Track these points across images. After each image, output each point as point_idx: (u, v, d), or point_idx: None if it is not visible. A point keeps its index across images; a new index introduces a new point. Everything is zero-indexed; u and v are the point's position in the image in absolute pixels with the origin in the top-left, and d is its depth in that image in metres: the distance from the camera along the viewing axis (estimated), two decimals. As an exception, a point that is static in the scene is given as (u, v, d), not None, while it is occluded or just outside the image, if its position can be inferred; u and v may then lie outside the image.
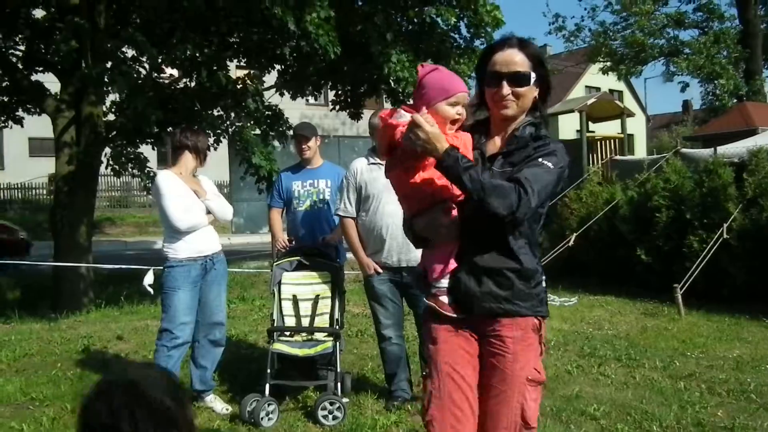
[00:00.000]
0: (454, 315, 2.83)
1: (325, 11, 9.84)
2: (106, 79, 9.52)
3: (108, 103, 11.09)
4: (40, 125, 12.40)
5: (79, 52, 9.90)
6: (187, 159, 5.43)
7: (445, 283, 2.84)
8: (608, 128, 19.81)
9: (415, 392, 5.49)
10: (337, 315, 5.62)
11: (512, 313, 2.79)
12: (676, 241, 10.21)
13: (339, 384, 5.28)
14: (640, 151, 37.91)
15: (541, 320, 2.90)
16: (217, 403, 5.50)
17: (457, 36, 12.98)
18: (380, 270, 5.26)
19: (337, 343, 5.39)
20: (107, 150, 10.76)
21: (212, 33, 10.56)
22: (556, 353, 7.07)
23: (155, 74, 10.85)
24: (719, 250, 9.50)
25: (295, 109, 18.22)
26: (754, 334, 8.01)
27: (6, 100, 11.63)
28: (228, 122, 11.13)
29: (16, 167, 28.07)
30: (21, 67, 11.18)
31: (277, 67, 12.40)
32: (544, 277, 2.92)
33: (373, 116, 5.42)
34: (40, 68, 11.40)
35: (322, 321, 5.65)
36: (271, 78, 13.01)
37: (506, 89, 2.76)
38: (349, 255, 5.90)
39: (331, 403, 5.02)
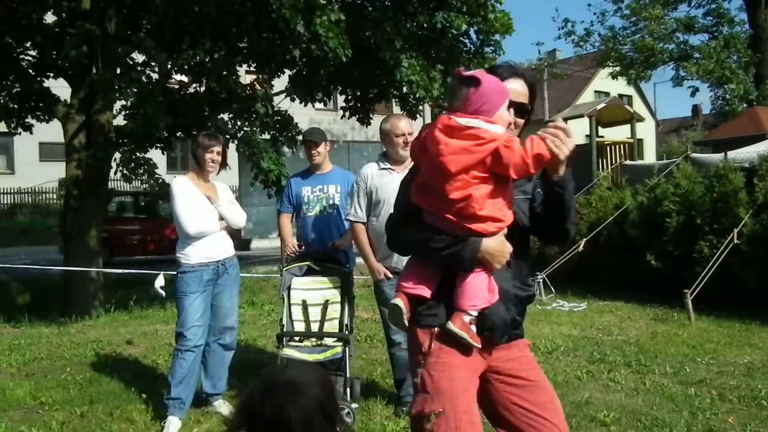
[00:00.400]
0: (479, 345, 2.68)
1: (335, 14, 9.85)
2: (116, 85, 9.56)
3: (118, 108, 11.13)
4: (50, 130, 12.45)
5: (90, 57, 9.95)
6: (195, 165, 5.47)
7: (475, 312, 2.68)
8: (618, 133, 19.79)
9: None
10: (346, 320, 5.61)
11: (519, 336, 2.89)
12: (687, 247, 10.17)
13: (348, 389, 5.27)
14: (650, 156, 37.79)
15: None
16: (226, 408, 5.50)
17: (467, 41, 12.98)
18: (390, 275, 5.25)
19: (347, 349, 5.38)
20: (117, 155, 10.79)
21: (222, 38, 10.59)
22: (566, 359, 7.05)
23: (165, 79, 10.89)
24: (730, 256, 9.45)
25: (304, 115, 18.24)
26: (765, 340, 7.96)
27: (17, 107, 11.67)
28: (237, 127, 11.15)
29: (26, 172, 28.20)
30: (32, 72, 11.23)
31: (288, 72, 12.42)
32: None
33: (384, 122, 5.42)
34: (51, 73, 11.46)
35: (332, 326, 5.64)
36: (280, 83, 13.04)
37: (512, 117, 2.72)
38: (359, 260, 5.89)
39: (341, 408, 5.00)
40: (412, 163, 5.35)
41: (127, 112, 10.60)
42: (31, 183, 27.58)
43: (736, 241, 9.55)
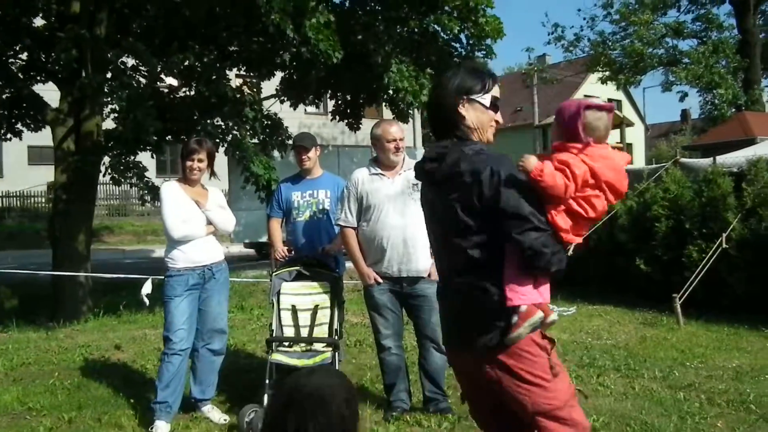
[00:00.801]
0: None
1: (325, 17, 9.86)
2: (106, 89, 9.53)
3: (107, 112, 11.09)
4: (39, 134, 12.39)
5: (80, 61, 9.91)
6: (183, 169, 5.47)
7: None
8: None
9: (413, 403, 5.48)
10: (336, 325, 5.60)
11: None
12: (676, 251, 10.19)
13: (338, 394, 5.24)
14: (639, 161, 37.96)
15: None
16: (215, 413, 5.48)
17: (458, 46, 13.00)
18: (380, 280, 5.25)
19: (336, 354, 5.37)
20: (106, 159, 10.76)
21: (212, 42, 10.58)
22: (556, 363, 7.05)
23: (155, 83, 10.86)
24: (718, 260, 9.49)
25: (294, 119, 18.24)
26: (753, 344, 7.99)
27: (6, 113, 11.61)
28: (227, 131, 11.13)
29: (15, 175, 28.10)
30: (21, 76, 11.19)
31: (278, 74, 12.41)
32: None
33: (375, 127, 5.43)
34: (40, 77, 11.41)
35: (321, 331, 5.63)
36: (270, 87, 13.03)
37: (500, 118, 2.96)
38: (349, 264, 5.89)
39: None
40: (406, 168, 5.38)
41: (117, 116, 10.57)
42: (19, 186, 27.46)
43: (724, 245, 9.58)
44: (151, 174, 11.41)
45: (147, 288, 6.53)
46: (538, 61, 33.51)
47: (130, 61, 10.90)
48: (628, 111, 41.29)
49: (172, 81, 11.55)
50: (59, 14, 10.72)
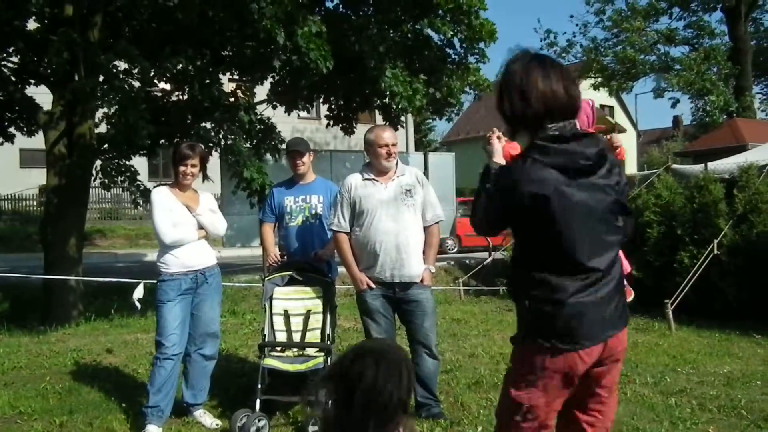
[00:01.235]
0: None
1: (317, 26, 9.86)
2: (98, 93, 9.51)
3: (100, 116, 11.07)
4: (31, 137, 12.35)
5: (72, 64, 9.89)
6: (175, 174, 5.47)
7: None
8: (599, 144, 19.84)
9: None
10: (328, 330, 5.59)
11: None
12: (667, 257, 10.24)
13: (330, 399, 5.24)
14: (631, 167, 37.99)
15: (515, 343, 2.91)
16: (207, 418, 5.47)
17: (451, 51, 13.02)
18: (373, 285, 5.25)
19: (329, 359, 5.37)
20: (98, 162, 10.73)
21: (205, 46, 10.57)
22: (548, 369, 7.06)
23: (147, 87, 10.84)
24: (710, 266, 9.54)
25: (287, 123, 18.19)
26: (744, 350, 8.03)
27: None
28: (220, 135, 11.12)
29: (6, 178, 27.93)
30: (14, 79, 11.16)
31: (270, 80, 12.41)
32: (526, 302, 2.79)
33: (369, 132, 5.43)
34: (33, 80, 11.38)
35: (314, 336, 5.62)
36: (263, 91, 13.02)
37: None
38: (342, 269, 5.89)
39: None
40: (399, 174, 5.39)
41: (110, 120, 10.55)
42: (11, 190, 27.33)
43: (716, 251, 9.63)
44: (143, 178, 11.38)
45: (138, 292, 6.51)
46: (530, 66, 33.42)
47: (123, 65, 10.87)
48: (620, 117, 41.42)
49: (165, 85, 11.53)
50: (52, 17, 10.70)
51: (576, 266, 2.68)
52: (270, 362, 5.30)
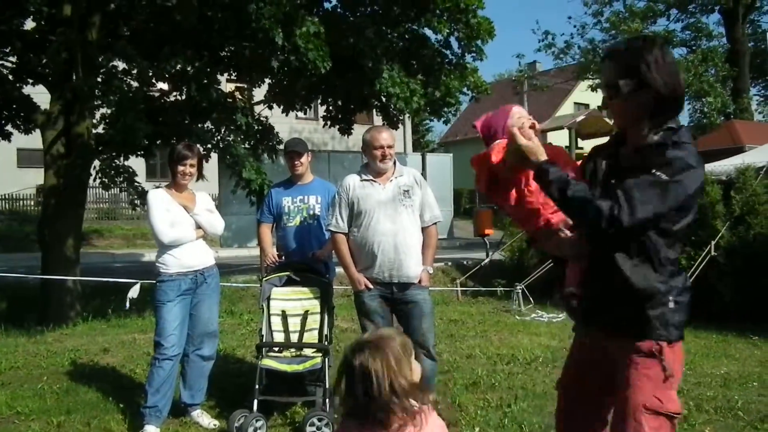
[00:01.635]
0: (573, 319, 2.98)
1: (315, 26, 9.87)
2: (96, 93, 9.51)
3: (98, 116, 11.06)
4: (28, 136, 12.33)
5: (70, 64, 9.88)
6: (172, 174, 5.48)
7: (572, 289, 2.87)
8: (597, 145, 19.89)
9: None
10: (326, 331, 5.60)
11: (625, 334, 2.67)
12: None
13: (327, 400, 5.26)
14: (629, 168, 37.99)
15: (662, 345, 2.63)
16: (204, 418, 5.47)
17: (448, 52, 13.03)
18: (370, 285, 5.25)
19: (326, 359, 5.38)
20: (96, 162, 10.72)
21: (203, 47, 10.57)
22: (545, 369, 7.08)
23: (146, 87, 10.84)
24: (707, 267, 9.55)
25: (284, 124, 18.24)
26: (741, 351, 8.04)
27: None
28: (218, 136, 11.12)
29: (3, 178, 27.91)
30: (12, 78, 11.14)
31: (268, 80, 12.41)
32: (673, 298, 2.65)
33: (366, 132, 5.44)
34: (31, 80, 11.38)
35: (311, 337, 5.63)
36: (261, 92, 13.03)
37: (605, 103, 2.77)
38: (339, 270, 5.89)
39: (320, 419, 4.99)
40: (397, 175, 5.40)
41: (107, 120, 10.54)
42: (8, 189, 27.31)
43: (713, 253, 9.64)
44: (140, 178, 11.38)
45: (134, 292, 6.52)
46: (528, 68, 33.54)
47: (122, 65, 10.87)
48: (617, 118, 41.36)
49: (162, 85, 11.52)
50: (50, 17, 10.69)
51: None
52: (268, 363, 5.31)
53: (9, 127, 11.89)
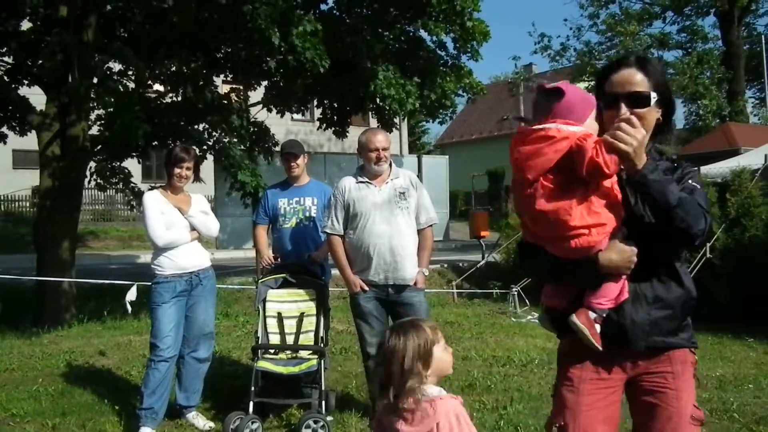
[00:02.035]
0: (600, 348, 2.53)
1: (312, 25, 9.87)
2: (92, 94, 9.49)
3: (94, 117, 11.04)
4: (24, 138, 12.29)
5: (66, 65, 9.86)
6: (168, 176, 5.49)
7: (604, 313, 2.55)
8: (593, 147, 19.89)
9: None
10: (321, 333, 5.60)
11: (673, 345, 2.61)
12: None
13: (323, 402, 5.26)
14: (624, 170, 38.06)
15: (694, 352, 2.70)
16: (200, 420, 5.47)
17: (443, 53, 13.03)
18: (366, 287, 5.25)
19: (322, 361, 5.38)
20: (92, 164, 10.70)
21: (199, 48, 10.56)
22: (541, 371, 7.08)
23: (141, 89, 10.82)
24: (702, 270, 9.55)
25: (280, 125, 18.24)
26: (736, 353, 8.05)
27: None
28: (214, 138, 11.11)
29: (-1, 179, 27.90)
30: (7, 80, 11.11)
31: (264, 82, 12.40)
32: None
33: (362, 134, 5.44)
34: (26, 81, 11.34)
35: (307, 339, 5.63)
36: (257, 94, 13.01)
37: (624, 111, 2.51)
38: (335, 272, 5.89)
39: (315, 422, 4.99)
40: (393, 177, 5.40)
41: (103, 121, 10.52)
42: (3, 191, 27.26)
43: (708, 255, 9.65)
44: (136, 179, 11.36)
45: (131, 294, 6.52)
46: (524, 70, 33.59)
47: (117, 66, 10.84)
48: (613, 120, 41.45)
49: (159, 86, 11.50)
50: (46, 18, 10.66)
51: None
52: (263, 365, 5.31)
53: (4, 129, 11.85)
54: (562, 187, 2.45)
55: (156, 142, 10.97)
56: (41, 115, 10.76)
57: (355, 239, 5.27)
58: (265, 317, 5.67)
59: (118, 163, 10.82)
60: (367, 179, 5.34)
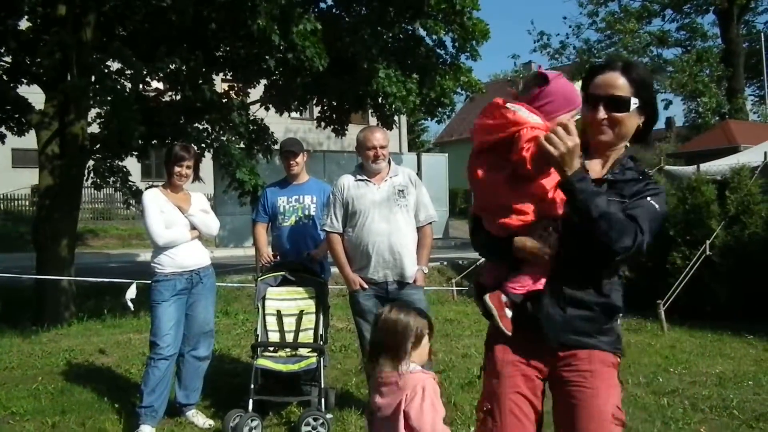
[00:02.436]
0: (509, 332, 2.62)
1: (312, 24, 9.87)
2: (90, 93, 9.48)
3: (92, 116, 11.02)
4: (23, 137, 12.28)
5: (65, 64, 9.85)
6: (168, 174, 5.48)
7: (518, 299, 2.63)
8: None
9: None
10: (321, 330, 5.60)
11: (591, 346, 2.65)
12: (660, 258, 10.25)
13: (323, 399, 5.26)
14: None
15: (618, 358, 2.75)
16: (199, 418, 5.47)
17: (442, 52, 13.04)
18: (365, 285, 5.25)
19: (321, 359, 5.38)
20: (90, 163, 10.69)
21: (198, 46, 10.55)
22: (540, 369, 7.07)
23: (140, 87, 10.80)
24: (702, 267, 9.56)
25: (279, 124, 18.20)
26: (736, 350, 8.05)
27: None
28: (213, 136, 11.10)
29: (-2, 178, 27.89)
30: (6, 78, 11.10)
31: (264, 81, 12.39)
32: (621, 314, 2.77)
33: (360, 132, 5.44)
34: (25, 80, 11.33)
35: (306, 336, 5.63)
36: (256, 92, 13.00)
37: (602, 113, 2.57)
38: (335, 270, 5.89)
39: (315, 419, 4.99)
40: (392, 175, 5.40)
41: (102, 120, 10.51)
42: (3, 189, 27.25)
43: (708, 252, 9.66)
44: (135, 178, 11.36)
45: (131, 292, 6.51)
46: (523, 68, 33.57)
47: (116, 65, 10.83)
48: (612, 118, 41.44)
49: (158, 85, 11.49)
50: (45, 17, 10.65)
51: None
52: (263, 362, 5.31)
53: (3, 129, 11.83)
54: (502, 165, 2.55)
55: (155, 141, 10.97)
56: (40, 113, 10.75)
57: (354, 237, 5.27)
58: (264, 315, 5.67)
59: (117, 162, 10.81)
60: (366, 177, 5.34)
